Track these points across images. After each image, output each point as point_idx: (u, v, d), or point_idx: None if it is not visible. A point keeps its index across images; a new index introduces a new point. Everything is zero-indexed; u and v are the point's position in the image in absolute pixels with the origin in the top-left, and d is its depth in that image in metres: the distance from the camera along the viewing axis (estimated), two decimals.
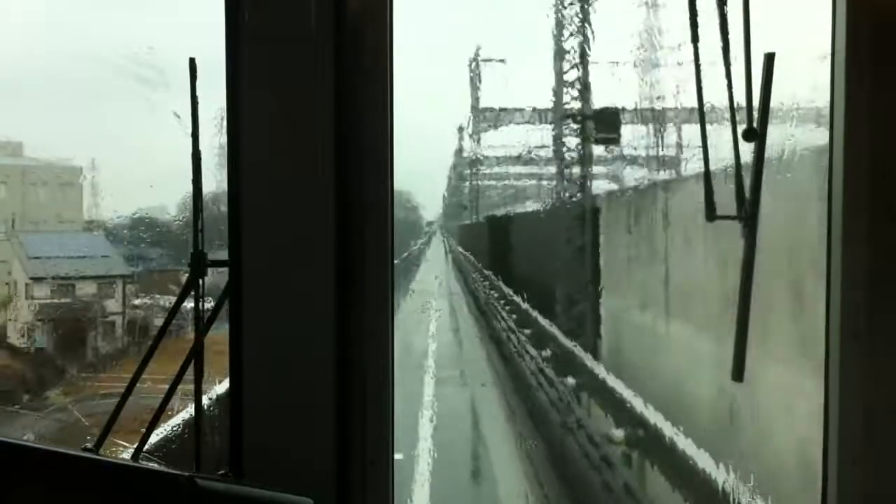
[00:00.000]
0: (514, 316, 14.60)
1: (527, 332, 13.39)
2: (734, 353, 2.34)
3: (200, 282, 2.21)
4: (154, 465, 2.29)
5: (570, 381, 10.79)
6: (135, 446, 2.25)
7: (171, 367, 2.20)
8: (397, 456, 2.30)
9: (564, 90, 13.27)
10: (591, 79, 12.88)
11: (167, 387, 2.18)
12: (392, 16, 2.28)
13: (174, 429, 3.25)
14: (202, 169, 2.20)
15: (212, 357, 2.23)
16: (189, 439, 2.25)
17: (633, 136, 11.80)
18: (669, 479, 7.43)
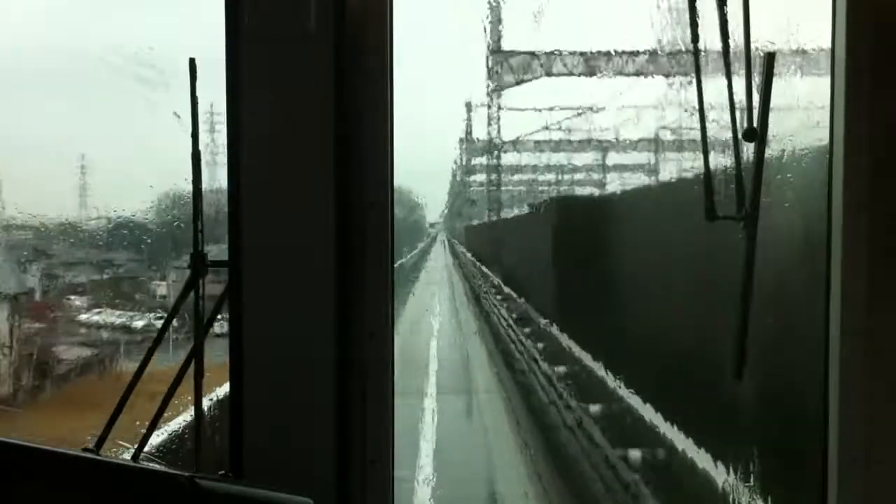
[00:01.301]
0: None
1: None
2: (734, 351, 2.34)
3: (201, 282, 2.21)
4: (154, 465, 2.29)
5: None
6: (135, 446, 2.25)
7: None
8: None
9: None
10: None
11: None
12: (392, 16, 2.28)
13: (175, 429, 3.25)
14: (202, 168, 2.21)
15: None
16: (189, 440, 2.25)
17: None
18: None
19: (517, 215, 15.86)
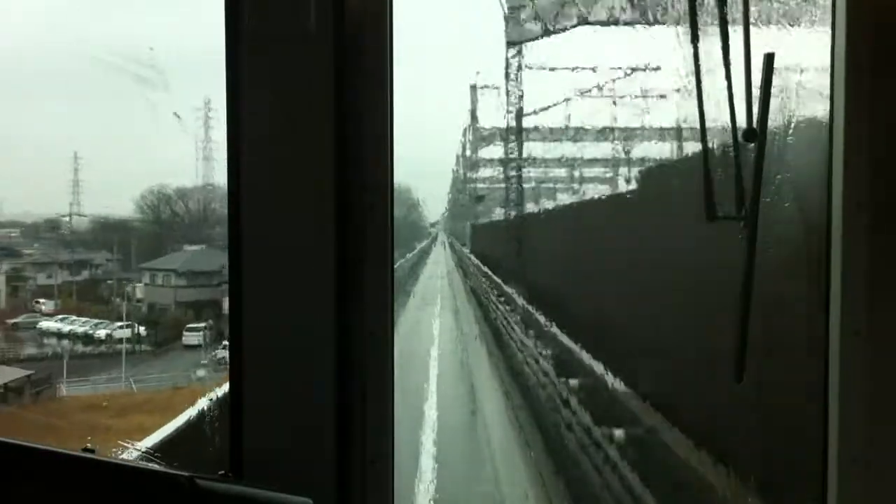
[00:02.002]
0: None
1: None
2: (735, 353, 2.34)
3: None
4: (154, 465, 2.29)
5: None
6: (135, 446, 2.25)
7: None
8: None
9: None
10: None
11: None
12: (392, 16, 2.28)
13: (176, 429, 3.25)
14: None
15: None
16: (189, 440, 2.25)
17: None
18: None
19: (582, 201, 10.19)
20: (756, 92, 2.25)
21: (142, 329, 8.86)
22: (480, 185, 14.30)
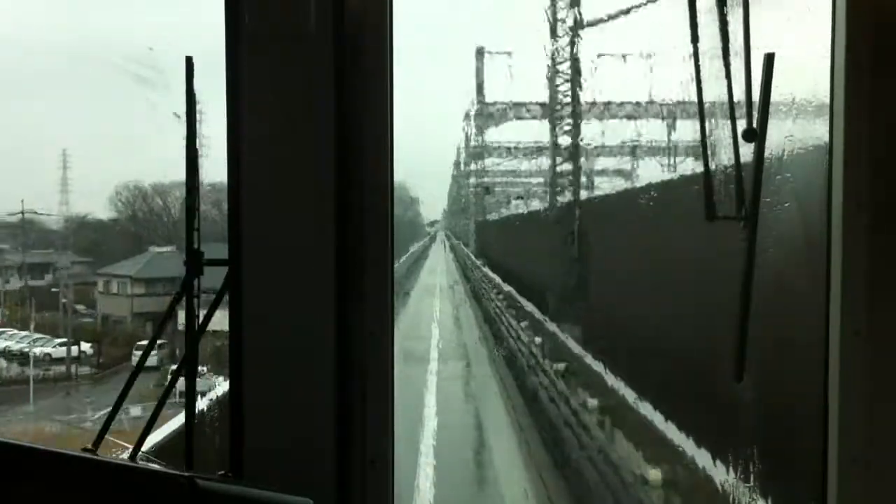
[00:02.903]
0: None
1: None
2: (734, 353, 2.34)
3: (196, 282, 2.20)
4: (154, 465, 2.29)
5: None
6: (134, 446, 2.25)
7: None
8: None
9: None
10: None
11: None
12: (392, 16, 2.28)
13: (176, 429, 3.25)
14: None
15: None
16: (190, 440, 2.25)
17: None
18: None
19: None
20: (756, 92, 2.25)
21: (87, 346, 7.43)
22: (485, 179, 12.14)
